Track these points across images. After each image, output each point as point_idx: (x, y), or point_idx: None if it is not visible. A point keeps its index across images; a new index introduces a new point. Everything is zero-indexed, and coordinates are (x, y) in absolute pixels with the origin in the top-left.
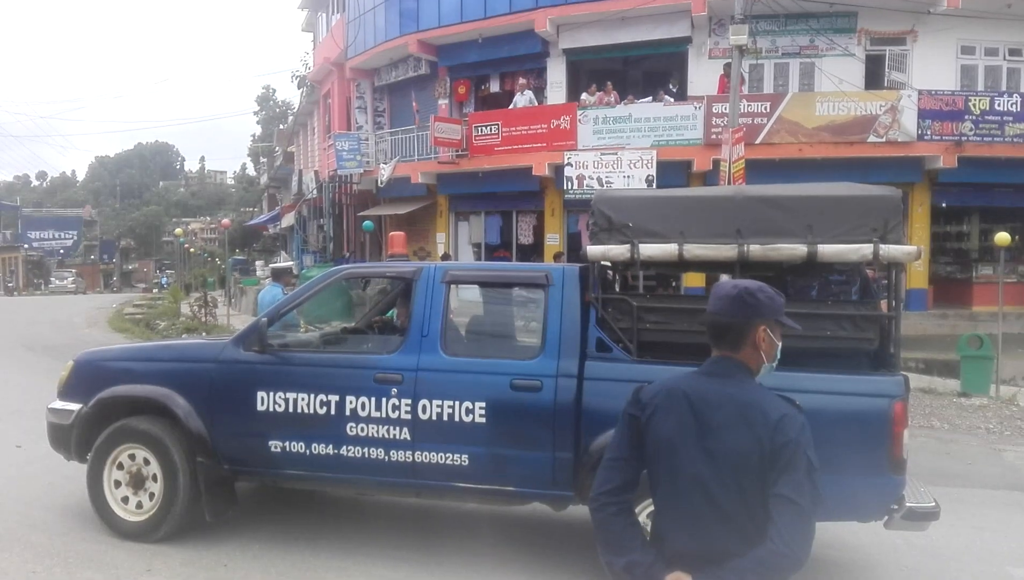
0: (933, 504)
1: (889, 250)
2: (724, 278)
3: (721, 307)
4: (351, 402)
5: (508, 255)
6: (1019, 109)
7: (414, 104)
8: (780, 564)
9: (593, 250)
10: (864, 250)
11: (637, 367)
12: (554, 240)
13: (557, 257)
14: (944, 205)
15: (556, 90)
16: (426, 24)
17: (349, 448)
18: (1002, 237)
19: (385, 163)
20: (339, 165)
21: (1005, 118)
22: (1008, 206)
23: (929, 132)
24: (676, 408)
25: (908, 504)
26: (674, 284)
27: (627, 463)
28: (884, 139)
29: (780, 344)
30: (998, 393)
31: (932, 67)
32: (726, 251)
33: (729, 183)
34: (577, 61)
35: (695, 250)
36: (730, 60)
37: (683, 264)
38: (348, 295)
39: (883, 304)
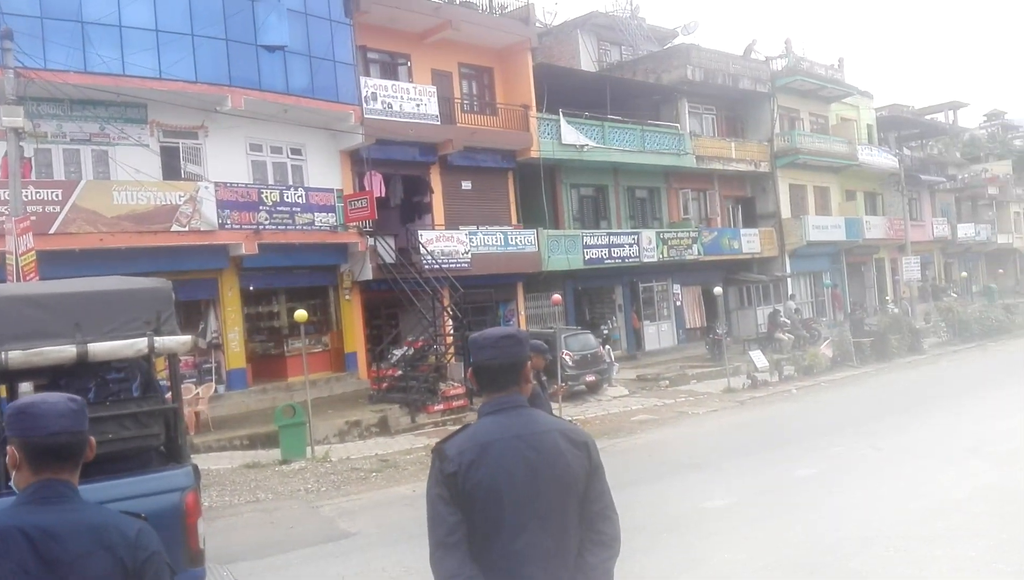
0: None
1: (164, 342)
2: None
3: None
4: None
5: None
6: (304, 201)
7: None
8: None
9: None
10: (139, 345)
11: None
12: None
13: None
14: (252, 288)
15: None
16: None
17: None
18: (300, 314)
19: None
20: None
21: (294, 208)
22: (307, 285)
23: (230, 221)
24: (11, 552)
25: None
26: None
27: None
28: (188, 228)
29: None
30: (314, 454)
31: (226, 161)
32: None
33: (19, 278)
34: None
35: None
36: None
37: None
38: None
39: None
